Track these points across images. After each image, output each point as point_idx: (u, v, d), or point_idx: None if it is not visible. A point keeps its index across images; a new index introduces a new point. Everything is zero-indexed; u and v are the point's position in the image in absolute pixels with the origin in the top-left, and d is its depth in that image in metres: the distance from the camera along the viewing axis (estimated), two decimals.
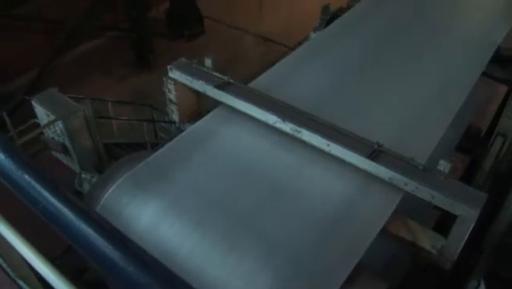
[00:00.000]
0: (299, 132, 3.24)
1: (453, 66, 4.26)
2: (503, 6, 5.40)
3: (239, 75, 4.01)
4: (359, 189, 3.12)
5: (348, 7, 5.07)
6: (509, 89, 4.92)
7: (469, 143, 5.02)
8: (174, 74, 3.86)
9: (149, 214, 2.92)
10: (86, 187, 4.16)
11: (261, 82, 3.87)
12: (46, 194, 1.48)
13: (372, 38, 4.56)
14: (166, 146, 3.44)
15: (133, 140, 8.96)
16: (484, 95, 5.66)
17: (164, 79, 3.93)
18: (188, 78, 3.78)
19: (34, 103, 7.21)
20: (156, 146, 4.56)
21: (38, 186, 1.50)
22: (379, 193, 3.08)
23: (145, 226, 2.87)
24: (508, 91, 5.03)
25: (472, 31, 4.87)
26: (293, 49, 4.62)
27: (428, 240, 3.08)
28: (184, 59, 3.95)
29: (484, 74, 4.45)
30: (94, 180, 4.05)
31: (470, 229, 2.86)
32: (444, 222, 3.62)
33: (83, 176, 4.29)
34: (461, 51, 4.51)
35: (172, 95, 3.98)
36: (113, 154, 7.81)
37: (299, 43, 5.48)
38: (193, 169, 3.22)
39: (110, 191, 3.04)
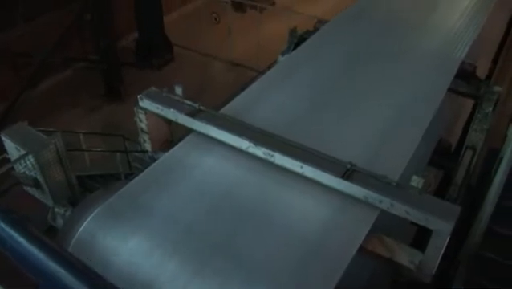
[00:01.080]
0: (272, 155, 3.24)
1: (419, 83, 4.35)
2: (464, 23, 5.55)
3: (210, 102, 4.02)
4: (335, 210, 3.13)
5: (315, 29, 5.14)
6: (476, 103, 5.02)
7: (441, 157, 5.09)
8: (144, 103, 3.84)
9: (126, 246, 2.87)
10: (59, 221, 4.08)
11: (232, 107, 3.88)
12: (14, 234, 1.44)
13: (340, 59, 4.63)
14: (139, 176, 3.41)
15: (107, 171, 8.84)
16: (452, 109, 5.75)
17: (134, 109, 3.91)
18: (159, 107, 3.77)
19: (3, 137, 7.07)
20: (130, 176, 4.51)
21: (4, 226, 1.46)
22: (355, 212, 3.09)
23: (123, 259, 2.82)
24: (474, 105, 5.13)
25: (436, 49, 4.98)
26: (262, 73, 4.65)
27: (405, 256, 3.10)
28: (154, 88, 3.94)
29: (451, 89, 4.55)
30: (68, 214, 3.98)
31: (446, 243, 2.89)
32: (421, 237, 3.65)
33: (57, 210, 4.22)
34: (426, 69, 4.61)
35: (143, 125, 3.96)
36: (87, 187, 7.68)
37: (269, 67, 5.54)
38: (168, 198, 3.19)
39: (85, 224, 2.99)
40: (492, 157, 4.97)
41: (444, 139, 5.13)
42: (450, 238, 2.87)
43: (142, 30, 15.51)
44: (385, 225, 3.14)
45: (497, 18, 8.78)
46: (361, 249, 2.95)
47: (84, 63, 14.63)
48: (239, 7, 19.07)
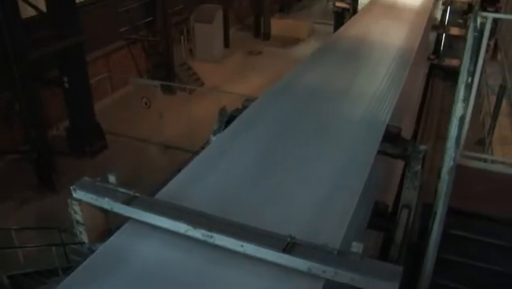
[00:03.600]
0: (211, 236, 3.21)
1: (349, 150, 4.50)
2: (384, 88, 5.86)
3: (146, 187, 3.98)
4: (280, 284, 3.09)
5: (244, 107, 5.27)
6: (405, 162, 5.22)
7: (379, 219, 5.20)
8: (78, 194, 3.75)
9: None
10: None
11: (168, 191, 3.85)
12: None
13: (271, 134, 4.74)
14: (77, 270, 3.27)
15: (43, 267, 8.44)
16: (385, 171, 5.94)
17: (68, 200, 3.80)
18: (93, 197, 3.69)
19: None
20: (68, 270, 4.33)
21: None
22: (300, 285, 3.07)
23: None
24: (405, 165, 5.33)
25: (362, 116, 5.21)
26: (196, 153, 4.68)
27: None
28: (87, 178, 3.87)
29: (380, 152, 4.72)
30: None
31: None
32: None
33: None
34: (354, 135, 4.80)
35: (78, 216, 3.84)
36: (21, 286, 7.28)
37: (202, 147, 5.59)
38: None
39: None
40: (427, 213, 5.15)
41: (381, 201, 5.25)
42: None
43: (73, 118, 15.43)
44: None
45: (415, 81, 9.35)
46: None
47: (15, 154, 14.27)
48: (169, 90, 19.46)
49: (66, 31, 14.17)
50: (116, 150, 15.78)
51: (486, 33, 5.77)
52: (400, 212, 4.97)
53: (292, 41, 28.68)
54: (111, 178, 3.85)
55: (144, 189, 3.79)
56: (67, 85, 14.87)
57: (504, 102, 12.26)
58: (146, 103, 16.83)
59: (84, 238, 3.94)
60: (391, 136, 4.97)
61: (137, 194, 3.65)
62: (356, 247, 3.08)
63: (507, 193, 5.47)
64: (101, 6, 19.02)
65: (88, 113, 15.56)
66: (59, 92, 15.77)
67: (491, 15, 5.77)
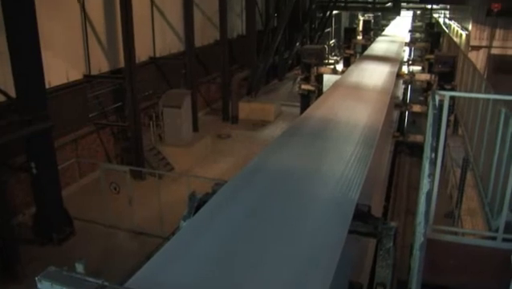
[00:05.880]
0: None
1: (320, 231, 4.50)
2: (351, 168, 5.96)
3: (115, 274, 3.87)
4: None
5: (213, 192, 5.27)
6: (377, 240, 5.23)
7: None
8: (43, 285, 3.61)
9: None
10: None
11: (138, 279, 3.75)
12: None
13: (240, 218, 4.73)
14: None
15: None
16: (358, 250, 5.94)
17: None
18: (60, 287, 3.55)
19: None
20: None
21: None
22: None
23: None
24: (377, 243, 5.34)
25: (330, 197, 5.26)
26: (167, 239, 4.61)
27: None
28: (53, 268, 3.74)
29: (351, 231, 4.73)
30: None
31: None
32: None
33: None
34: (324, 217, 4.82)
35: None
36: None
37: (173, 233, 5.50)
38: None
39: None
40: None
41: (355, 281, 5.21)
42: None
43: (40, 204, 15.12)
44: None
45: (381, 158, 9.56)
46: None
47: None
48: (138, 175, 19.41)
49: (34, 117, 14.17)
50: (84, 237, 15.45)
51: (445, 110, 6.02)
52: None
53: (260, 123, 29.28)
54: (79, 267, 3.74)
55: (114, 277, 3.68)
56: (34, 171, 14.67)
57: (469, 174, 12.58)
58: (115, 189, 16.67)
59: None
60: (361, 215, 5.01)
61: (106, 283, 3.53)
62: None
63: (480, 265, 5.51)
64: (70, 91, 19.22)
65: (56, 199, 15.30)
66: (26, 178, 15.55)
67: (448, 93, 6.05)
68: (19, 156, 15.57)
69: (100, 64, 21.19)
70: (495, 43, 22.46)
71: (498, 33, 22.39)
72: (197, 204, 5.09)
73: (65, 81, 19.07)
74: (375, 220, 5.07)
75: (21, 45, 13.88)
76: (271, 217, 4.77)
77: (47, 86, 16.12)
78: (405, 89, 19.86)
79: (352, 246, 5.03)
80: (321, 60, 16.44)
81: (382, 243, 4.88)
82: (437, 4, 44.49)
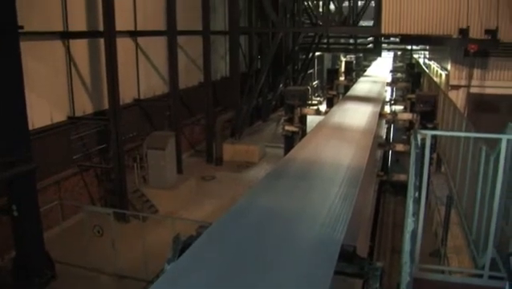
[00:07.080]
0: None
1: (305, 273, 4.46)
2: (336, 208, 5.97)
3: None
4: None
5: (198, 234, 5.22)
6: (364, 281, 5.19)
7: None
8: None
9: None
10: None
11: None
12: None
13: (226, 260, 4.68)
14: None
15: None
16: None
17: None
18: None
19: None
20: None
21: None
22: None
23: None
24: (363, 284, 5.30)
25: (315, 238, 5.23)
26: (151, 282, 4.53)
27: None
28: None
29: (337, 272, 4.69)
30: None
31: None
32: None
33: None
34: (309, 259, 4.78)
35: None
36: None
37: (157, 276, 5.41)
38: None
39: None
40: None
41: None
42: None
43: (21, 247, 14.82)
44: None
45: (366, 198, 9.59)
46: None
47: None
48: (122, 218, 19.23)
49: (17, 158, 14.04)
50: (66, 281, 15.13)
51: (427, 148, 6.09)
52: None
53: (245, 165, 29.34)
54: None
55: None
56: (15, 213, 14.44)
57: (453, 212, 12.63)
58: (98, 232, 16.45)
59: None
60: (346, 255, 4.98)
61: None
62: None
63: None
64: (54, 133, 19.16)
65: (37, 242, 15.02)
66: (6, 221, 15.29)
67: (430, 132, 6.14)
68: (0, 198, 15.35)
69: (85, 106, 21.22)
70: (474, 82, 22.98)
71: (476, 72, 22.96)
72: (181, 246, 5.03)
73: (49, 122, 19.05)
74: (361, 260, 5.05)
75: (4, 86, 13.88)
76: (255, 259, 4.72)
77: (31, 127, 16.05)
78: (388, 128, 20.12)
79: (339, 287, 4.98)
80: (304, 101, 16.61)
81: (368, 284, 4.85)
82: (417, 45, 45.62)
